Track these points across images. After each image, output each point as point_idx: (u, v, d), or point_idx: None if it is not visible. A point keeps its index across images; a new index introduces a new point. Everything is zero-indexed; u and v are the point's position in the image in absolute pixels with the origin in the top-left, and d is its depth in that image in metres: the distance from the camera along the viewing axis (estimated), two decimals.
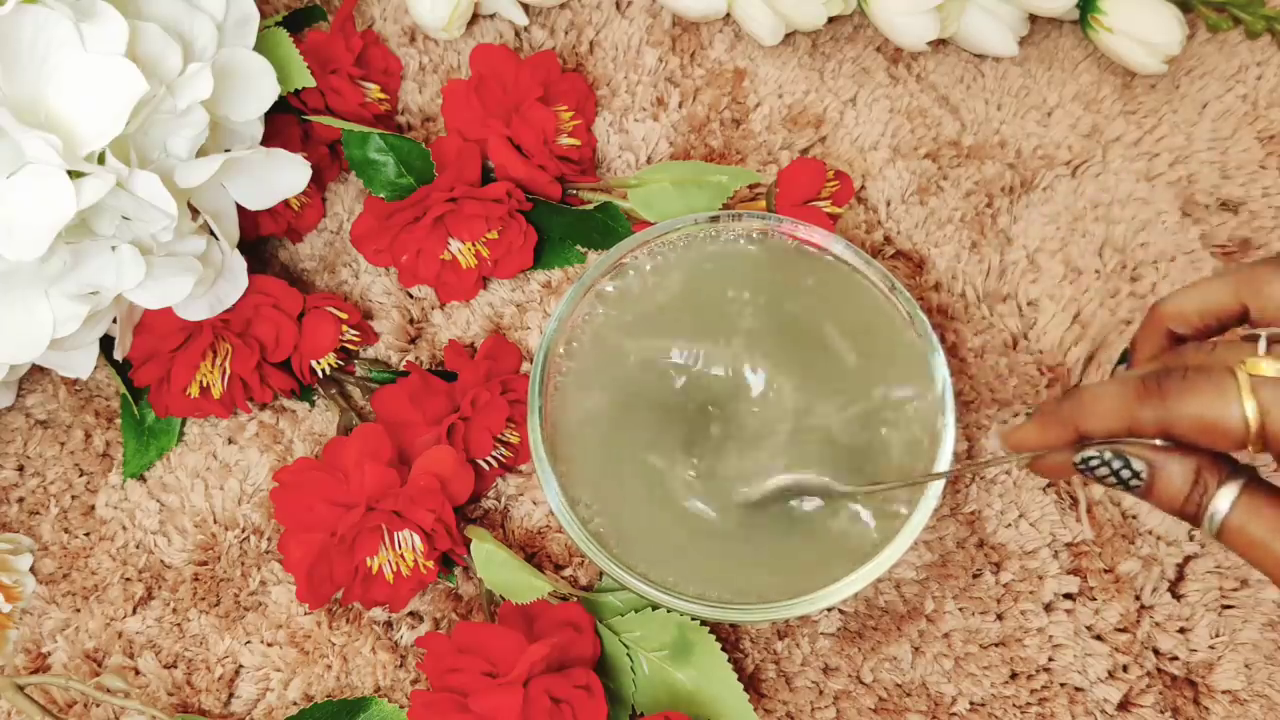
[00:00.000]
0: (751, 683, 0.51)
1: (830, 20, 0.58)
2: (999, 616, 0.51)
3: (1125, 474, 0.35)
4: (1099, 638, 0.51)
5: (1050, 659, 0.51)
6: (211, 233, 0.50)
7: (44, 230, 0.42)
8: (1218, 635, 0.51)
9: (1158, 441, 0.35)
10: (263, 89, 0.50)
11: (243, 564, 0.53)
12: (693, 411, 0.48)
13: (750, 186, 0.56)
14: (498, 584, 0.49)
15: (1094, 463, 0.35)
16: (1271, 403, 0.32)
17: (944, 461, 0.46)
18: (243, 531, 0.53)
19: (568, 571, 0.53)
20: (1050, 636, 0.51)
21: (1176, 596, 0.52)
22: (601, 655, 0.49)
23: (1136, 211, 0.57)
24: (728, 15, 0.59)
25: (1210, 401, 0.33)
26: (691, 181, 0.55)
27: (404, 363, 0.55)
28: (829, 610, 0.51)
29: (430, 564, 0.49)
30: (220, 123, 0.50)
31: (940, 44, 0.60)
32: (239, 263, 0.52)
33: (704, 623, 0.48)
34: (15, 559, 0.53)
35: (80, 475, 0.55)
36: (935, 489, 0.46)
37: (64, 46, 0.43)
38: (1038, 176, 0.58)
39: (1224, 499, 0.34)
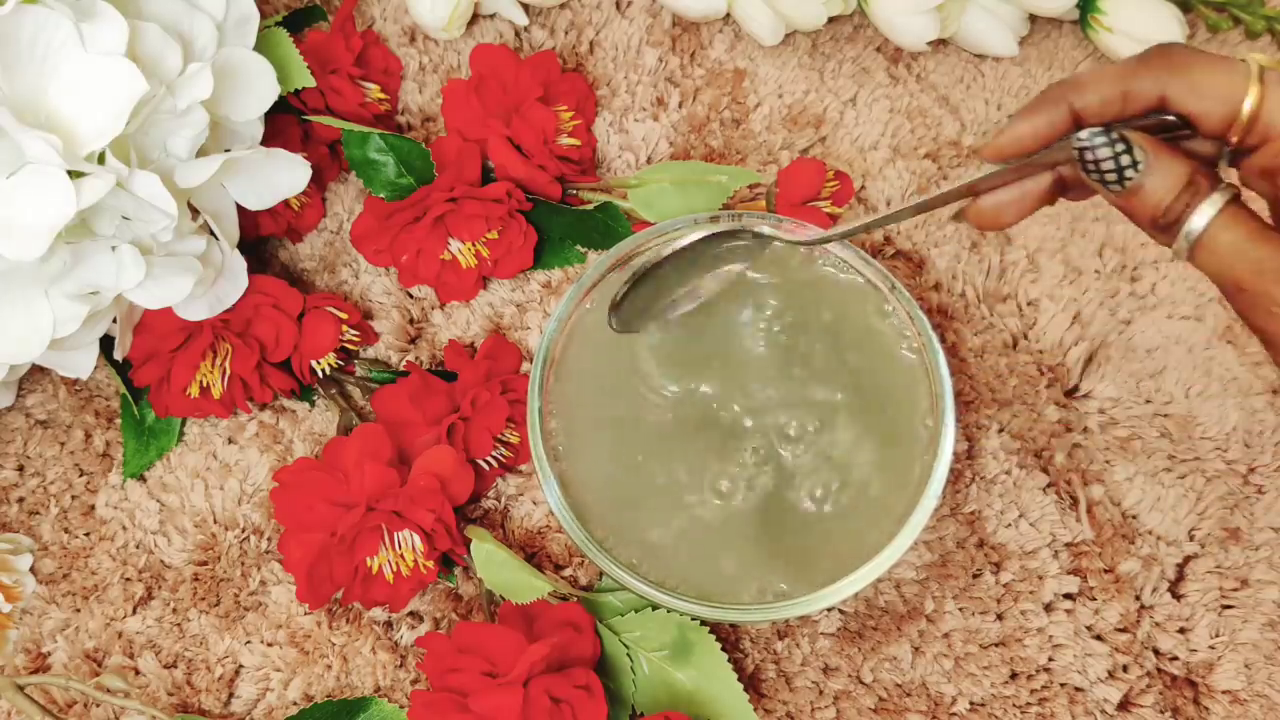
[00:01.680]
0: (751, 683, 0.51)
1: (830, 20, 0.57)
2: (999, 616, 0.51)
3: (1125, 159, 0.33)
4: (1099, 638, 0.51)
5: (1050, 659, 0.51)
6: (211, 233, 0.50)
7: (44, 230, 0.42)
8: (1218, 635, 0.51)
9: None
10: (263, 89, 0.50)
11: (243, 564, 0.53)
12: (692, 412, 0.48)
13: (750, 186, 0.56)
14: (498, 584, 0.49)
15: (1098, 141, 0.33)
16: (1275, 84, 0.32)
17: (944, 461, 0.46)
18: (243, 531, 0.53)
19: (568, 571, 0.53)
20: (1050, 636, 0.51)
21: (1176, 596, 0.52)
22: (601, 655, 0.49)
23: None
24: (728, 15, 0.59)
25: (1218, 71, 0.32)
26: (691, 181, 0.55)
27: (404, 363, 0.55)
28: (829, 610, 0.51)
29: (430, 564, 0.49)
30: (220, 123, 0.50)
31: (940, 44, 0.60)
32: (239, 263, 0.52)
33: (704, 623, 0.48)
34: (15, 559, 0.53)
35: (80, 475, 0.55)
36: (935, 489, 0.46)
37: (64, 46, 0.43)
38: None
39: (1209, 208, 0.33)
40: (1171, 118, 0.34)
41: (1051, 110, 0.35)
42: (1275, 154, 0.32)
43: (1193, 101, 0.33)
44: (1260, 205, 0.34)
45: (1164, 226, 0.33)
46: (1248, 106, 0.32)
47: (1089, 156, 0.34)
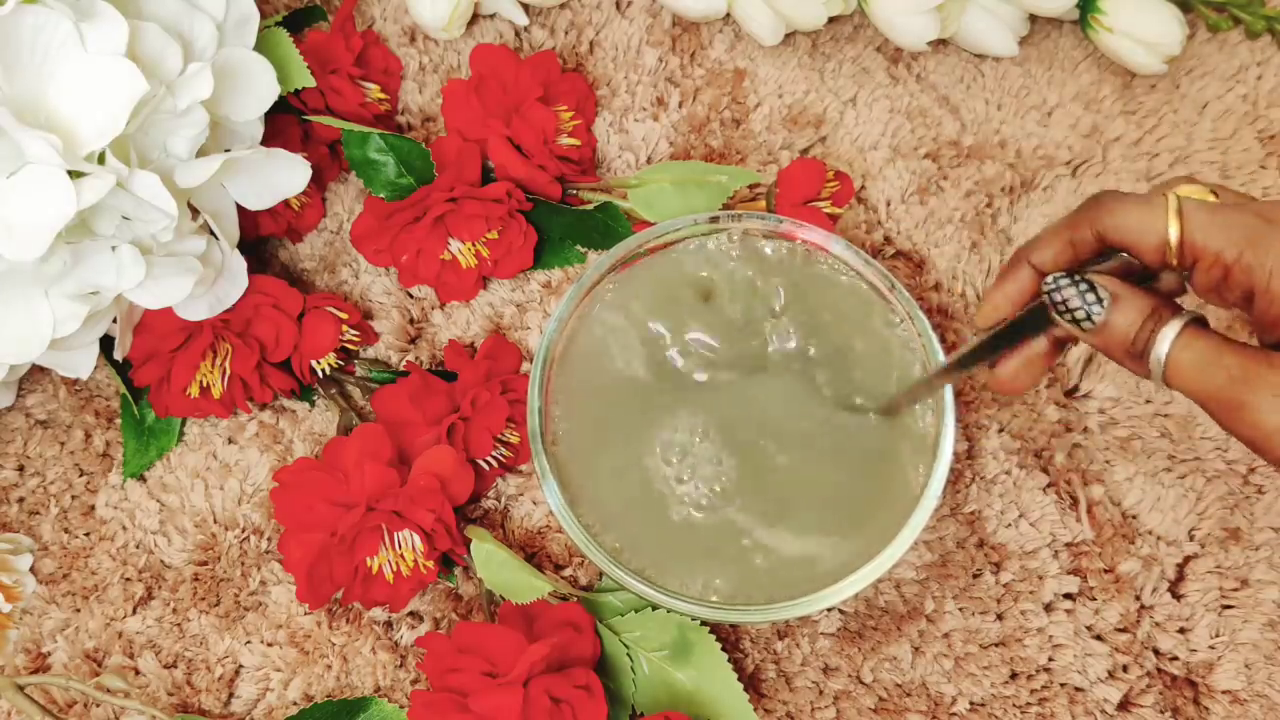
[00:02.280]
0: (751, 683, 0.51)
1: (830, 20, 0.58)
2: (999, 616, 0.51)
3: (1089, 298, 0.36)
4: (1099, 638, 0.51)
5: (1050, 659, 0.51)
6: (211, 233, 0.50)
7: (44, 230, 0.42)
8: (1218, 635, 0.51)
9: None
10: (263, 89, 0.50)
11: (243, 564, 0.53)
12: (693, 411, 0.48)
13: (750, 186, 0.56)
14: (498, 584, 0.49)
15: (1063, 282, 0.37)
16: (1192, 209, 0.35)
17: (944, 461, 0.47)
18: (243, 531, 0.53)
19: (568, 571, 0.53)
20: (1050, 636, 0.51)
21: (1176, 596, 0.52)
22: (601, 655, 0.49)
23: None
24: (728, 15, 0.59)
25: (1139, 206, 0.36)
26: (691, 181, 0.55)
27: (404, 363, 0.55)
28: (829, 610, 0.51)
29: (430, 564, 0.49)
30: (220, 123, 0.50)
31: (940, 44, 0.60)
32: (239, 263, 0.52)
33: (704, 623, 0.48)
34: (15, 559, 0.53)
35: (80, 475, 0.55)
36: (935, 489, 0.46)
37: (64, 46, 0.43)
38: (1038, 176, 0.58)
39: (1170, 331, 0.35)
40: (1134, 262, 0.37)
41: (1014, 272, 0.39)
42: (1207, 270, 0.35)
43: (1126, 236, 0.36)
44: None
45: (1136, 356, 0.36)
46: (1173, 238, 0.35)
47: (1057, 299, 0.37)
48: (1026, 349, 0.40)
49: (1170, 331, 0.35)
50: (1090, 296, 0.36)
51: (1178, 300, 0.37)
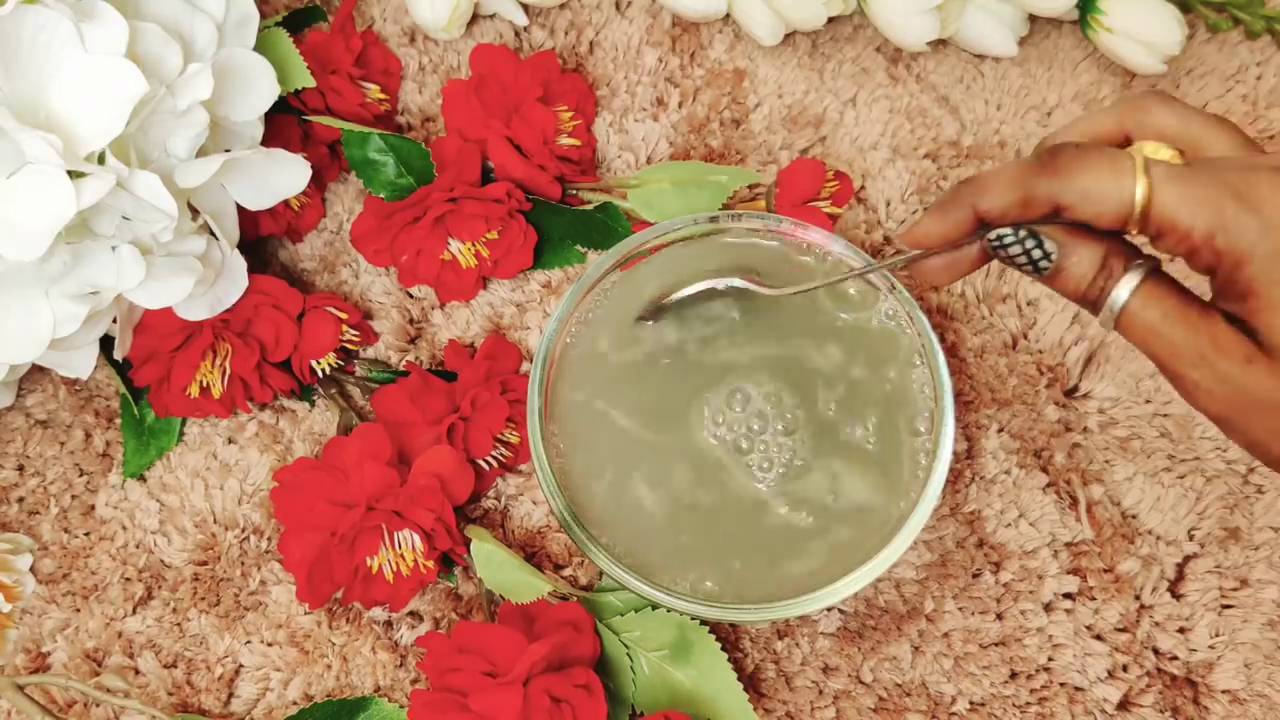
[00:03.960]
0: (751, 683, 0.51)
1: (830, 20, 0.58)
2: (999, 616, 0.51)
3: (1036, 253, 0.35)
4: (1099, 637, 0.51)
5: (1050, 659, 0.51)
6: (211, 233, 0.50)
7: (44, 230, 0.42)
8: (1217, 635, 0.51)
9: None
10: (263, 89, 0.50)
11: (243, 564, 0.53)
12: (692, 410, 0.48)
13: (750, 186, 0.56)
14: (498, 584, 0.49)
15: (1008, 240, 0.35)
16: (1161, 180, 0.33)
17: (944, 461, 0.46)
18: (243, 531, 0.53)
19: (568, 571, 0.53)
20: (1050, 636, 0.51)
21: (1176, 596, 0.52)
22: (601, 655, 0.49)
23: None
24: (728, 15, 0.59)
25: (1103, 174, 0.33)
26: (691, 181, 0.55)
27: (404, 363, 0.55)
28: (829, 610, 0.51)
29: (430, 564, 0.49)
30: (220, 123, 0.50)
31: (940, 44, 0.60)
32: (239, 263, 0.52)
33: (704, 622, 0.48)
34: (15, 559, 0.53)
35: (80, 475, 0.55)
36: (935, 489, 0.46)
37: (64, 46, 0.43)
38: None
39: (1125, 286, 0.34)
40: None
41: (956, 212, 0.36)
42: (1174, 244, 0.33)
43: (1086, 208, 0.34)
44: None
45: (1090, 302, 0.35)
46: (1138, 200, 0.33)
47: (1002, 253, 0.36)
48: (954, 253, 0.38)
49: (1127, 284, 0.34)
50: (1037, 252, 0.35)
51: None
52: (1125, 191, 0.33)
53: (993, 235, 0.35)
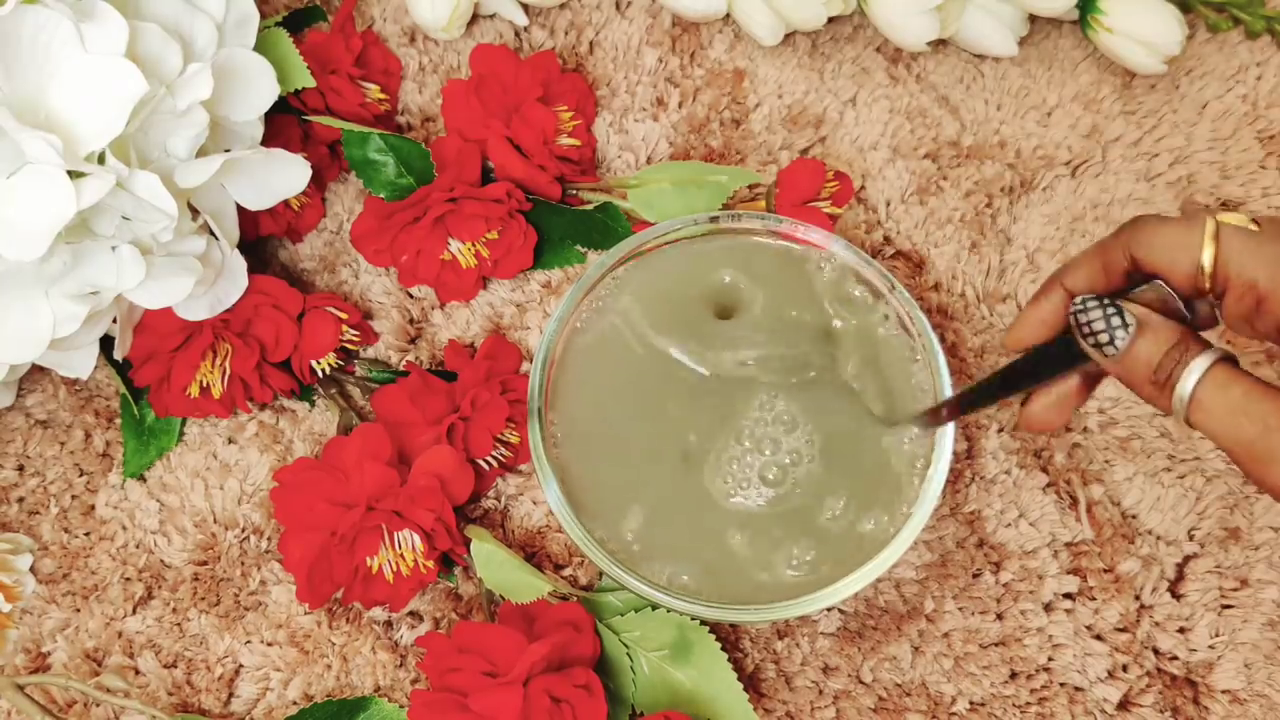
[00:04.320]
0: (751, 683, 0.51)
1: (830, 20, 0.58)
2: (999, 616, 0.51)
3: (1115, 321, 0.35)
4: (1099, 637, 0.51)
5: (1050, 659, 0.51)
6: (211, 233, 0.50)
7: (44, 230, 0.42)
8: (1217, 635, 0.51)
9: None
10: (263, 89, 0.50)
11: (243, 564, 0.53)
12: (693, 411, 0.48)
13: (750, 186, 0.56)
14: (498, 584, 0.49)
15: (1090, 304, 0.36)
16: (1230, 234, 0.34)
17: (943, 461, 0.47)
18: (243, 531, 0.53)
19: (568, 571, 0.53)
20: (1050, 636, 0.51)
21: (1176, 596, 0.52)
22: (601, 655, 0.49)
23: (1136, 211, 0.57)
24: (728, 15, 0.59)
25: (1176, 226, 0.35)
26: (691, 181, 0.55)
27: (404, 363, 0.55)
28: (829, 610, 0.51)
29: (430, 564, 0.49)
30: (220, 123, 0.50)
31: (940, 44, 0.60)
32: (239, 263, 0.52)
33: (704, 623, 0.48)
34: (15, 559, 0.53)
35: (80, 475, 0.55)
36: (935, 489, 0.46)
37: (64, 46, 0.43)
38: (1037, 176, 0.58)
39: (1195, 371, 0.34)
40: (1170, 296, 0.36)
41: (1049, 297, 0.39)
42: (1239, 298, 0.34)
43: (1158, 256, 0.35)
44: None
45: (1159, 386, 0.35)
46: (1206, 261, 0.35)
47: (1082, 319, 0.36)
48: (1058, 386, 0.39)
49: (1198, 367, 0.34)
50: (1116, 320, 0.35)
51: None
52: (1195, 239, 0.35)
53: (1076, 300, 0.37)
